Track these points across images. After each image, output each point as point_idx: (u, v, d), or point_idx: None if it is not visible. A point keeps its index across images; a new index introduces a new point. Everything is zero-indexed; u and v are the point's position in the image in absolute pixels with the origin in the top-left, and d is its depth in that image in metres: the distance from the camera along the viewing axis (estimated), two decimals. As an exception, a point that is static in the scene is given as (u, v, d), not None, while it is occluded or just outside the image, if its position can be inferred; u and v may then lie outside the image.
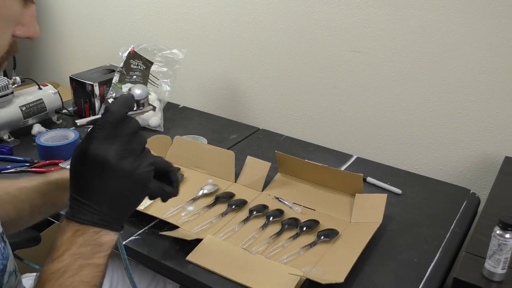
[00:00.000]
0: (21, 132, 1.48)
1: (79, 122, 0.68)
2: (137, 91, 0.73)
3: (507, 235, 0.82)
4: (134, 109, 0.70)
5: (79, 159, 0.65)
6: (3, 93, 1.42)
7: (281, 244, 1.02)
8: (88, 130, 0.66)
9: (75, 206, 0.64)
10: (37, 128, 1.50)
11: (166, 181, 0.80)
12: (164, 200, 0.81)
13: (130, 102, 0.68)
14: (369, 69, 1.44)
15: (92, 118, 0.67)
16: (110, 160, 0.63)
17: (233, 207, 1.13)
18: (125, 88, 1.57)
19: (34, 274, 1.05)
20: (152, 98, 1.57)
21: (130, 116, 0.67)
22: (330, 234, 1.05)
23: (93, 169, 0.63)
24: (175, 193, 0.81)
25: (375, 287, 0.93)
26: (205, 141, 1.43)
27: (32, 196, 0.89)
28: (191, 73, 1.80)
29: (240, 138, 1.52)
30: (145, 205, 1.12)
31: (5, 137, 1.44)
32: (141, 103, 0.72)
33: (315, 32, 1.49)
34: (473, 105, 1.31)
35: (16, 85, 1.47)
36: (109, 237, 0.64)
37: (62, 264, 0.61)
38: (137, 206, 0.70)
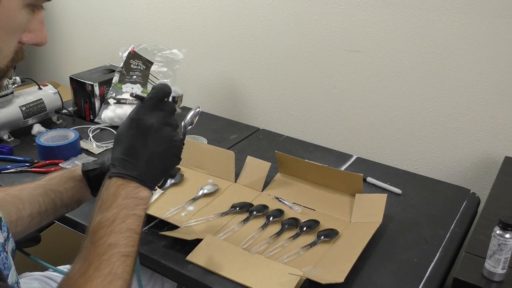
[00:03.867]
0: (21, 132, 1.48)
1: (135, 94, 0.82)
2: (175, 89, 0.83)
3: (507, 235, 0.82)
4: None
5: (128, 123, 0.77)
6: (3, 93, 1.42)
7: (281, 244, 1.02)
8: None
9: (118, 164, 0.75)
10: (37, 128, 1.50)
11: None
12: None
13: (169, 88, 0.81)
14: (369, 69, 1.44)
15: (142, 94, 0.81)
16: (154, 125, 0.76)
17: (237, 209, 1.13)
18: (125, 88, 1.57)
19: (34, 273, 1.05)
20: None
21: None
22: (330, 234, 1.05)
23: (139, 132, 0.75)
24: (173, 173, 0.86)
25: (375, 287, 0.93)
26: (205, 141, 1.43)
27: (33, 193, 0.89)
28: (191, 73, 1.80)
29: (240, 138, 1.52)
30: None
31: (5, 137, 1.44)
32: (175, 100, 0.85)
33: (315, 32, 1.49)
34: (473, 105, 1.31)
35: (16, 85, 1.47)
36: (146, 193, 0.74)
37: (111, 213, 0.69)
38: (167, 173, 0.81)
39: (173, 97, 0.84)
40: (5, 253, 0.73)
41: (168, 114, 0.79)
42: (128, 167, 0.74)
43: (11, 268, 0.76)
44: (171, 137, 0.78)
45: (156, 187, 0.83)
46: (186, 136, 0.89)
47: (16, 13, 0.58)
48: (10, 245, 0.78)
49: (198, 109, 0.95)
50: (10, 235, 0.78)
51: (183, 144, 0.82)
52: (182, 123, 0.93)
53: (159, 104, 0.78)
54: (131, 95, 0.83)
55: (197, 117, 0.94)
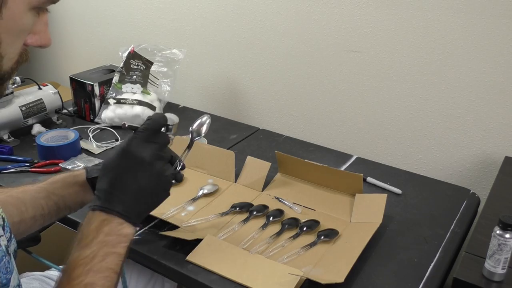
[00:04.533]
0: (21, 132, 1.48)
1: (127, 124, 0.81)
2: (170, 116, 0.84)
3: (507, 235, 0.82)
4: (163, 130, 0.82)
5: (118, 154, 0.74)
6: (3, 93, 1.42)
7: (281, 244, 1.02)
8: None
9: (103, 197, 0.72)
10: (37, 128, 1.50)
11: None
12: None
13: (165, 119, 0.81)
14: (369, 69, 1.44)
15: (135, 125, 0.81)
16: (146, 159, 0.74)
17: (237, 209, 1.13)
18: (125, 88, 1.57)
19: (34, 273, 1.05)
20: (152, 98, 1.58)
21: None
22: (330, 234, 1.05)
23: (129, 165, 0.73)
24: (178, 177, 0.87)
25: (375, 287, 0.93)
26: (205, 141, 1.43)
27: (35, 196, 0.89)
28: (191, 73, 1.80)
29: (240, 138, 1.52)
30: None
31: (5, 137, 1.44)
32: (170, 128, 0.84)
33: (315, 32, 1.49)
34: (473, 105, 1.31)
35: (16, 85, 1.47)
36: (130, 230, 0.72)
37: (90, 250, 0.67)
38: (155, 207, 0.78)
39: (168, 126, 0.82)
40: (7, 256, 0.73)
41: (160, 146, 0.77)
42: (113, 201, 0.71)
43: (13, 271, 0.76)
44: (161, 172, 0.76)
45: None
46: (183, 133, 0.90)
47: (22, 16, 0.58)
48: (13, 245, 0.78)
49: (206, 118, 0.96)
50: (13, 236, 0.78)
51: (174, 179, 0.81)
52: (190, 129, 0.94)
53: (152, 136, 0.77)
54: (123, 126, 0.81)
55: (204, 127, 0.95)
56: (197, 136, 0.94)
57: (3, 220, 0.72)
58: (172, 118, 0.86)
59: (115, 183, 0.72)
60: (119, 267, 0.69)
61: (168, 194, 0.80)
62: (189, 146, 0.92)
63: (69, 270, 0.66)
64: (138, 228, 0.74)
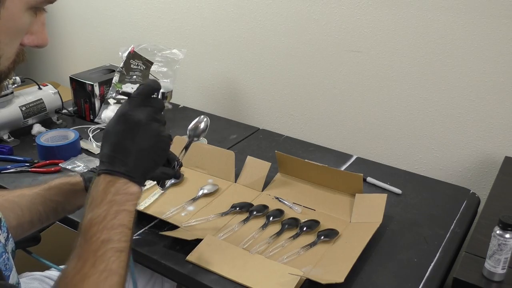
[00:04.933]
0: (21, 132, 1.48)
1: (121, 91, 0.81)
2: (165, 84, 0.83)
3: (507, 235, 0.82)
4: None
5: (115, 119, 0.76)
6: (3, 93, 1.42)
7: (281, 244, 1.01)
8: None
9: (106, 161, 0.74)
10: (37, 128, 1.50)
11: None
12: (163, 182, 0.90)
13: (158, 84, 0.82)
14: (369, 69, 1.44)
15: (128, 91, 0.81)
16: (142, 120, 0.76)
17: (237, 209, 1.13)
18: (125, 88, 1.57)
19: (34, 273, 1.05)
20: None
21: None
22: (330, 234, 1.05)
23: (127, 128, 0.75)
24: (177, 175, 0.89)
25: (375, 287, 0.93)
26: (205, 141, 1.43)
27: (32, 201, 0.89)
28: (191, 73, 1.80)
29: (240, 138, 1.52)
30: (145, 205, 1.12)
31: (5, 137, 1.44)
32: (165, 96, 0.82)
33: (315, 32, 1.49)
34: (473, 105, 1.31)
35: (16, 85, 1.47)
36: (135, 188, 0.74)
37: (101, 210, 0.70)
38: (157, 166, 0.80)
39: (163, 93, 0.84)
40: (6, 254, 0.73)
41: (156, 110, 0.79)
42: (116, 163, 0.74)
43: (12, 269, 0.76)
44: (159, 132, 0.78)
45: (159, 187, 0.84)
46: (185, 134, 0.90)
47: (20, 16, 0.58)
48: (10, 245, 0.78)
49: (203, 118, 0.97)
50: (10, 235, 0.78)
51: (171, 140, 0.83)
52: (187, 131, 0.94)
53: (147, 100, 0.78)
54: (117, 92, 0.83)
55: (202, 125, 0.96)
56: (195, 137, 0.95)
57: (0, 220, 0.72)
58: (167, 86, 0.87)
59: (116, 146, 0.75)
60: (131, 222, 0.72)
61: (167, 153, 0.82)
62: (186, 147, 0.93)
63: (85, 231, 0.68)
64: (143, 187, 0.77)
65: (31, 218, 0.89)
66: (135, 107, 0.77)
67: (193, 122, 0.96)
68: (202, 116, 0.97)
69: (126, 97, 0.79)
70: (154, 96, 0.80)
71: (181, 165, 0.90)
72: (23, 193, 0.90)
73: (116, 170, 0.73)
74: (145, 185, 0.79)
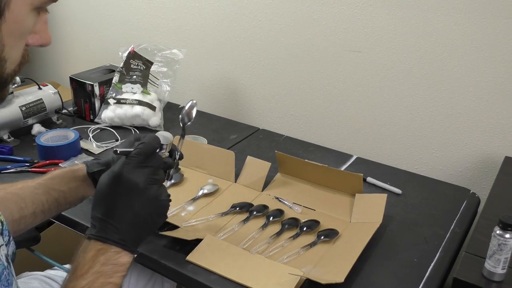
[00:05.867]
0: (21, 132, 1.48)
1: (119, 150, 0.76)
2: (164, 135, 0.84)
3: (507, 235, 0.82)
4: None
5: (110, 181, 0.72)
6: (3, 93, 1.42)
7: (281, 244, 1.02)
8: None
9: (98, 226, 0.70)
10: (37, 128, 1.50)
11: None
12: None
13: (159, 141, 0.79)
14: (369, 69, 1.44)
15: (127, 149, 0.77)
16: (140, 184, 0.72)
17: (237, 209, 1.13)
18: (125, 88, 1.57)
19: (34, 273, 1.05)
20: (152, 98, 1.58)
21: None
22: (330, 234, 1.05)
23: (122, 191, 0.71)
24: (175, 165, 0.87)
25: (375, 287, 0.93)
26: (205, 141, 1.43)
27: (35, 192, 0.88)
28: (191, 73, 1.80)
29: (240, 138, 1.52)
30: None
31: (5, 137, 1.44)
32: (164, 147, 0.82)
33: (315, 32, 1.49)
34: (473, 105, 1.31)
35: (16, 85, 1.47)
36: (126, 258, 0.70)
37: (86, 281, 0.65)
38: (152, 232, 0.77)
39: (161, 145, 0.81)
40: (8, 269, 0.73)
41: (154, 170, 0.75)
42: (109, 230, 0.70)
43: (13, 282, 0.75)
44: (157, 196, 0.74)
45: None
46: (186, 135, 0.89)
47: (24, 18, 0.58)
48: (11, 248, 0.77)
49: (192, 102, 0.94)
50: (11, 238, 0.78)
51: (170, 200, 0.79)
52: (180, 117, 0.93)
53: (146, 160, 0.74)
54: (114, 152, 0.77)
55: (193, 110, 0.93)
56: (188, 121, 0.92)
57: (2, 224, 0.71)
58: (166, 136, 0.85)
59: (110, 211, 0.71)
60: None
61: (165, 217, 0.79)
62: (183, 135, 0.91)
63: None
64: (135, 255, 0.73)
65: (34, 209, 0.87)
66: (133, 169, 0.73)
67: (185, 109, 0.93)
68: (191, 101, 0.95)
69: (124, 155, 0.75)
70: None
71: (181, 157, 0.88)
72: (26, 185, 0.89)
73: (108, 237, 0.69)
74: (138, 251, 0.75)
